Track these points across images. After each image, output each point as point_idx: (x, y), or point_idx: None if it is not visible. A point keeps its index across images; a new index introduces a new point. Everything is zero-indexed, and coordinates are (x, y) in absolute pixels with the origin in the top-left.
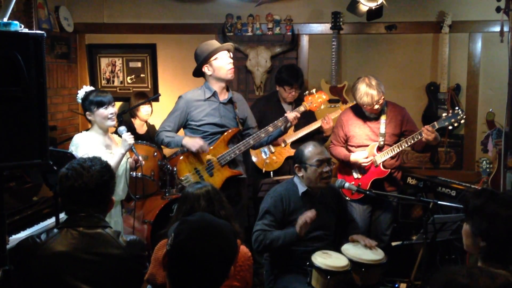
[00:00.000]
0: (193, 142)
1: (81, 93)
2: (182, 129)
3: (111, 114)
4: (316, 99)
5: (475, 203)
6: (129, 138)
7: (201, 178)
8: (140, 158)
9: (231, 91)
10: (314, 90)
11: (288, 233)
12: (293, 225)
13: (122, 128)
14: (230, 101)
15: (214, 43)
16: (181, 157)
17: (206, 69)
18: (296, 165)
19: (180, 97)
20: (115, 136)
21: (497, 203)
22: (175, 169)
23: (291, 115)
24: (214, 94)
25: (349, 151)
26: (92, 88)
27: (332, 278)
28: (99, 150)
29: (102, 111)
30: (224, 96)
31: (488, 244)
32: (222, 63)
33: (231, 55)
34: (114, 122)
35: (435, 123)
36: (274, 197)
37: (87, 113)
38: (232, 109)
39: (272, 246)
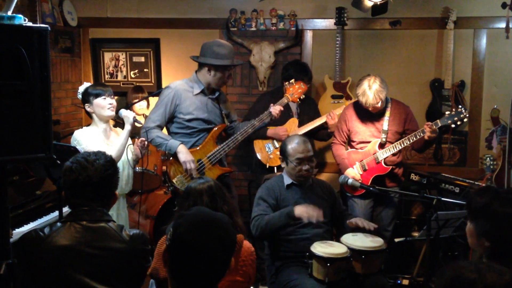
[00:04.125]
0: (186, 159)
1: (81, 89)
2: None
3: (110, 104)
4: (296, 90)
5: (479, 202)
6: (129, 113)
7: (193, 178)
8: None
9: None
10: (293, 81)
11: (283, 211)
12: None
13: (121, 110)
14: (217, 97)
15: (229, 55)
16: (171, 158)
17: (207, 69)
18: (280, 156)
19: (167, 86)
20: (119, 129)
21: (500, 202)
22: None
23: (275, 109)
24: (203, 90)
25: (352, 147)
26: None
27: (332, 265)
28: (100, 144)
29: (100, 101)
30: (211, 91)
31: (493, 245)
32: (222, 78)
33: (231, 73)
34: (113, 113)
35: (437, 121)
36: (266, 186)
37: (86, 105)
38: (217, 104)
39: (268, 227)
